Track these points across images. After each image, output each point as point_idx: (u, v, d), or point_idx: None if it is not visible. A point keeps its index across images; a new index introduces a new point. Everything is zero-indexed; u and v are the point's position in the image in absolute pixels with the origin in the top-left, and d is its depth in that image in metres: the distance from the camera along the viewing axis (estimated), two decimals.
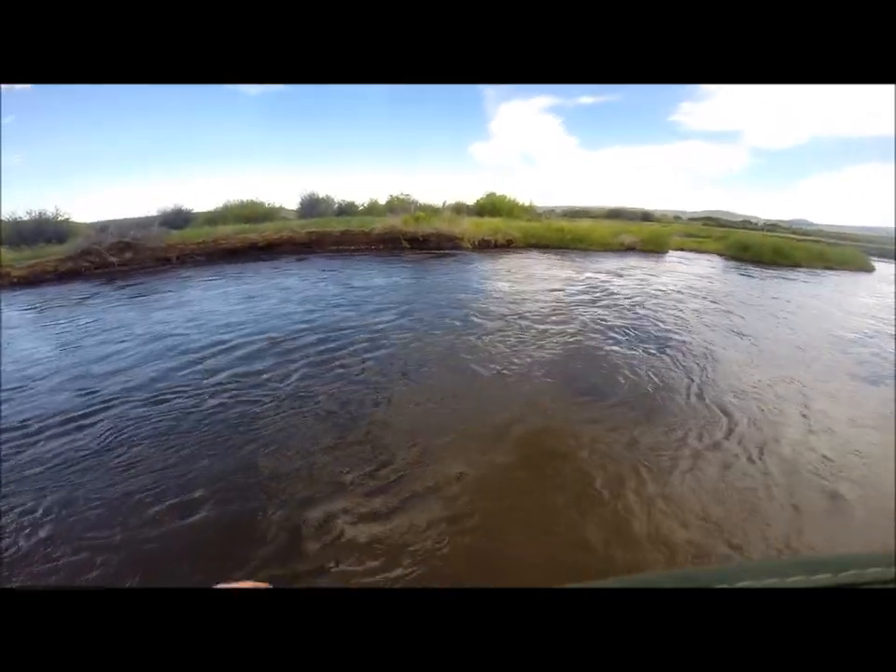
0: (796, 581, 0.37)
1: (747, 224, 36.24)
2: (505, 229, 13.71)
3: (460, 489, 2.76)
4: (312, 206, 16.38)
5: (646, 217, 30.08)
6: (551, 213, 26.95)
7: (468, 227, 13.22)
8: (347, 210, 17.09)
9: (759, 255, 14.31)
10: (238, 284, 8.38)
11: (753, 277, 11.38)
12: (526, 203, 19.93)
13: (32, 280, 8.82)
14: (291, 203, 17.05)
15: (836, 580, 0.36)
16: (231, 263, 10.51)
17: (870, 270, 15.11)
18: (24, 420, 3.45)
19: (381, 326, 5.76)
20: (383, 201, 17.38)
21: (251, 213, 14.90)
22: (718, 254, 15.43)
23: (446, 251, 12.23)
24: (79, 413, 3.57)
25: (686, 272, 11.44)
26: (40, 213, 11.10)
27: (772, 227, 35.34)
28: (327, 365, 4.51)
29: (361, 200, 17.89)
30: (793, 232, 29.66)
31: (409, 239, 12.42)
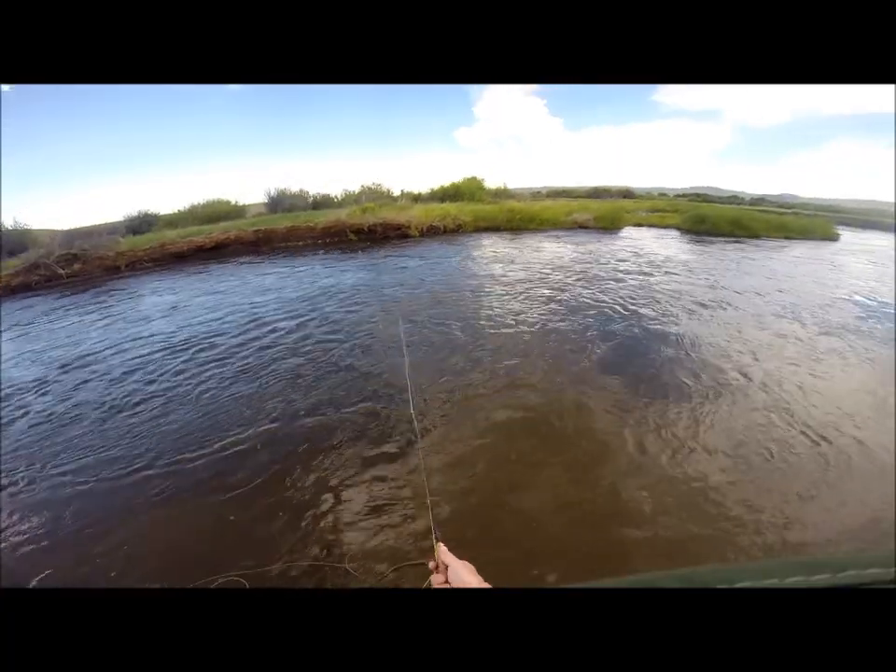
0: (796, 581, 0.36)
1: (734, 199, 35.59)
2: (455, 213, 13.66)
3: None
4: (278, 202, 15.96)
5: (628, 195, 29.66)
6: (537, 194, 26.91)
7: (416, 214, 13.19)
8: (323, 203, 16.72)
9: (716, 227, 14.27)
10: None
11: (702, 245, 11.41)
12: (500, 186, 19.78)
13: None
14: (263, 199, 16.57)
15: (835, 580, 0.36)
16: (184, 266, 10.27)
17: (834, 238, 14.92)
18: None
19: None
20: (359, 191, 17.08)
21: (216, 212, 14.66)
22: (676, 228, 15.33)
23: (392, 240, 12.26)
24: None
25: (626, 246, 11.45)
26: None
27: (759, 200, 34.65)
28: None
29: (336, 192, 17.74)
30: (780, 206, 29.23)
31: (355, 231, 12.38)
